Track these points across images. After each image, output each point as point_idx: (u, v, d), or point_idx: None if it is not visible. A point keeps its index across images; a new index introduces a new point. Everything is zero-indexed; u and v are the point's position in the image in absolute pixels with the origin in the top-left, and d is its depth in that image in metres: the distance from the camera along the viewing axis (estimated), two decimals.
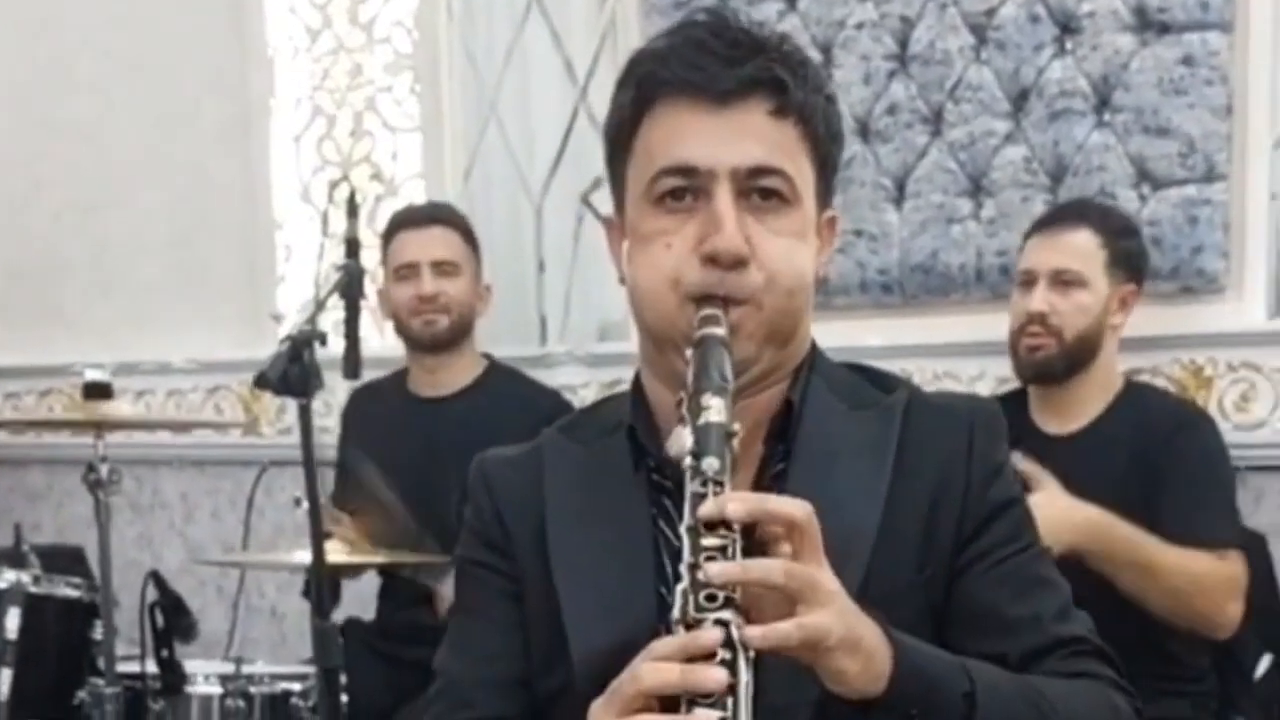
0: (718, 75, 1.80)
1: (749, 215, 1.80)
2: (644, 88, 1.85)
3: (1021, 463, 3.29)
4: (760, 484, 1.82)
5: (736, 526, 1.59)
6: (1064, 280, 3.56)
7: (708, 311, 1.77)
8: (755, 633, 1.55)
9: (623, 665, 1.59)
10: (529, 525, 1.94)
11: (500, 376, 4.24)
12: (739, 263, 1.79)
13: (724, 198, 1.80)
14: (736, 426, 1.67)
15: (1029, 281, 3.61)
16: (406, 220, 4.19)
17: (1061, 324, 3.54)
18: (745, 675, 1.54)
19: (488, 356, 4.28)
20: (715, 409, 1.66)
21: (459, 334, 4.09)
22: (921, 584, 1.77)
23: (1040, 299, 3.57)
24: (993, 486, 1.85)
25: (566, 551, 1.90)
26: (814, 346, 1.93)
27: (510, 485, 1.98)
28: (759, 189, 1.81)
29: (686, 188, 1.81)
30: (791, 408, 1.86)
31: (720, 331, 1.75)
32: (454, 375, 4.18)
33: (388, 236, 4.16)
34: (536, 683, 1.90)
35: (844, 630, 1.58)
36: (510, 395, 4.11)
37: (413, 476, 3.92)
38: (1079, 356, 3.55)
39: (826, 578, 1.60)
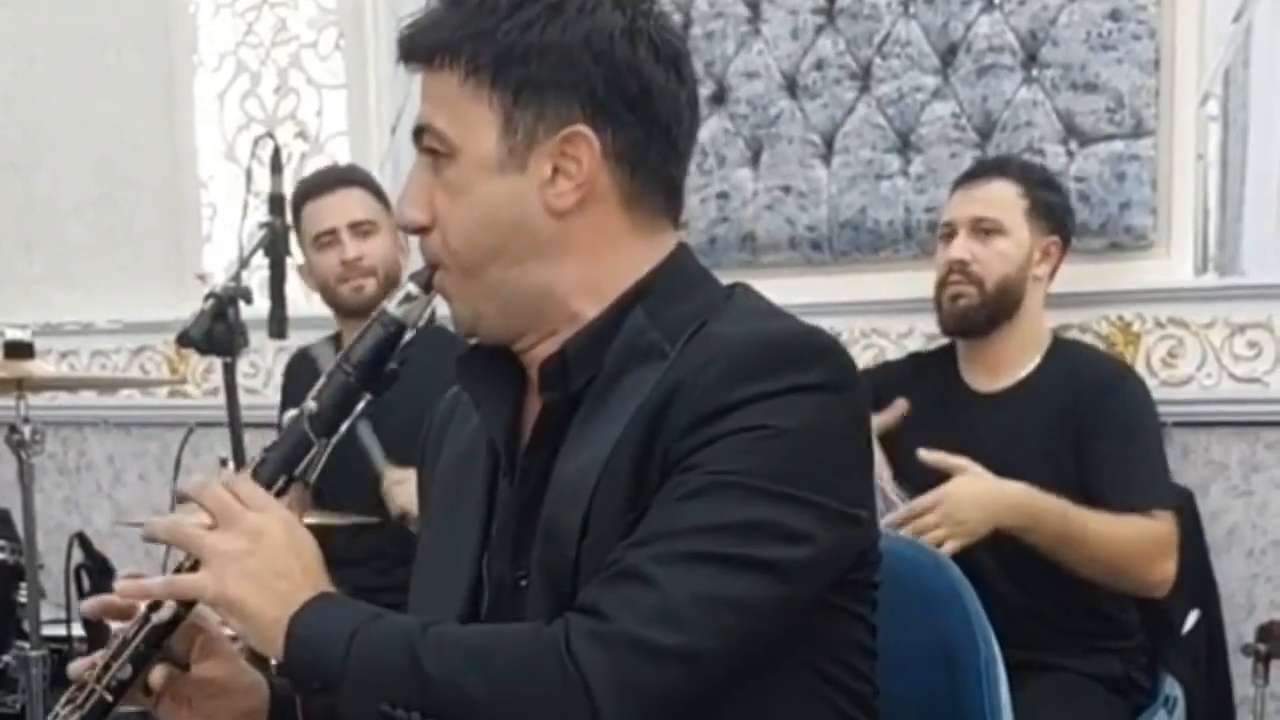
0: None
1: (435, 176, 1.82)
2: None
3: (931, 456, 3.29)
4: (538, 433, 1.83)
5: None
6: (983, 228, 3.56)
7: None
8: (125, 585, 1.79)
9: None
10: (432, 468, 2.04)
11: (432, 334, 4.17)
12: (418, 230, 1.84)
13: (413, 168, 1.85)
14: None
15: (950, 234, 3.62)
16: (315, 187, 4.05)
17: (982, 272, 3.54)
18: (157, 616, 1.75)
19: None
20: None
21: (388, 294, 3.99)
22: (633, 523, 1.68)
23: (960, 247, 3.57)
24: (712, 423, 1.66)
25: (432, 510, 2.01)
26: (647, 286, 1.83)
27: (441, 425, 2.05)
28: (427, 150, 1.82)
29: None
30: (565, 357, 1.81)
31: (389, 308, 1.87)
32: None
33: (297, 208, 3.98)
34: None
35: (219, 590, 1.68)
36: (443, 354, 4.03)
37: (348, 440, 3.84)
38: (1001, 306, 3.55)
39: (217, 541, 1.69)
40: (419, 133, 1.82)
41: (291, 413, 1.82)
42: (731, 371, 1.68)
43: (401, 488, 3.67)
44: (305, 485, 1.81)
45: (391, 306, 1.85)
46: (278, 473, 1.79)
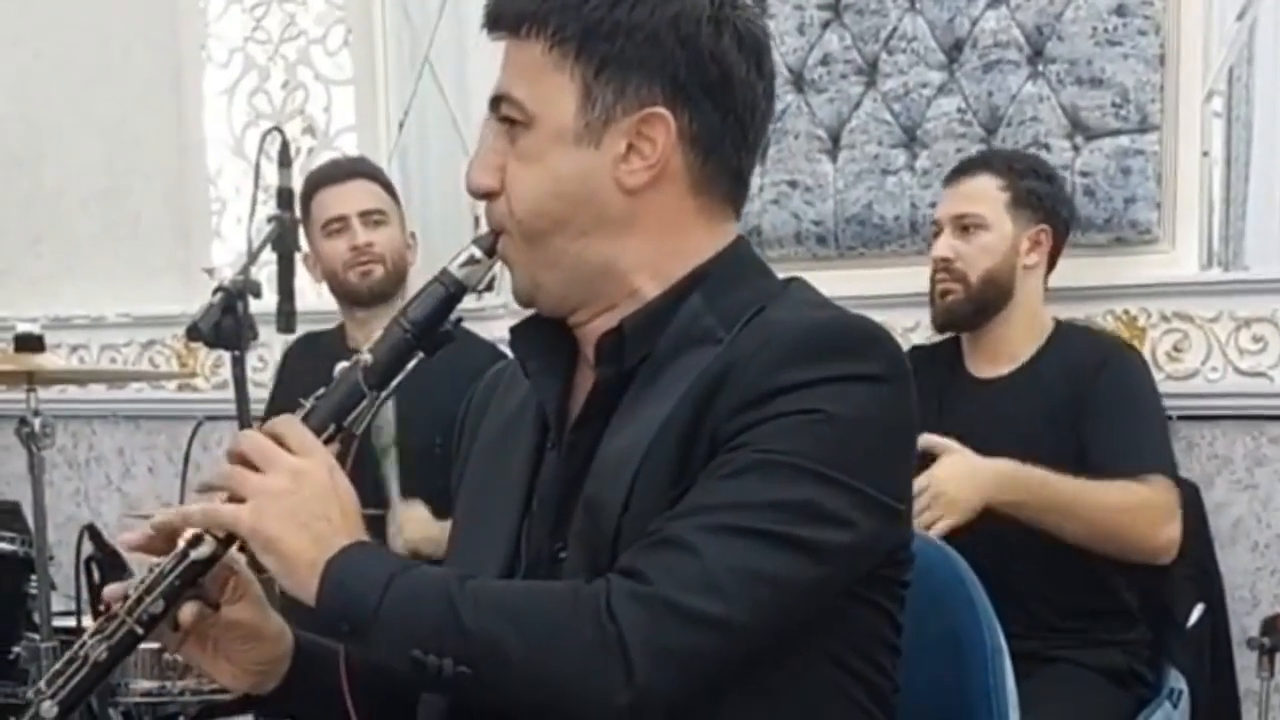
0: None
1: (510, 145, 1.83)
2: None
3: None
4: (589, 407, 1.84)
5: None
6: (964, 225, 3.62)
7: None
8: (163, 515, 1.80)
9: None
10: (471, 442, 2.05)
11: (458, 337, 4.16)
12: (485, 195, 1.85)
13: (485, 133, 1.87)
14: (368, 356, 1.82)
15: (938, 232, 3.68)
16: (325, 177, 4.09)
17: (965, 268, 3.60)
18: (195, 552, 1.75)
19: None
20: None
21: (394, 283, 4.01)
22: (675, 499, 1.69)
23: (943, 245, 3.64)
24: (763, 404, 1.68)
25: (471, 481, 2.02)
26: (706, 272, 1.85)
27: (483, 399, 2.07)
28: (503, 118, 1.83)
29: None
30: (623, 332, 1.82)
31: (452, 269, 1.86)
32: None
33: (307, 197, 4.01)
34: None
35: (254, 525, 1.69)
36: (467, 356, 4.05)
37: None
38: (987, 299, 3.60)
39: (260, 480, 1.71)
40: (496, 101, 1.84)
41: (344, 365, 1.83)
42: (785, 355, 1.70)
43: (412, 522, 3.68)
44: (353, 436, 1.82)
45: (454, 267, 1.85)
46: (327, 421, 1.80)
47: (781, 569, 1.63)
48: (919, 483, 3.22)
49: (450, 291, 1.85)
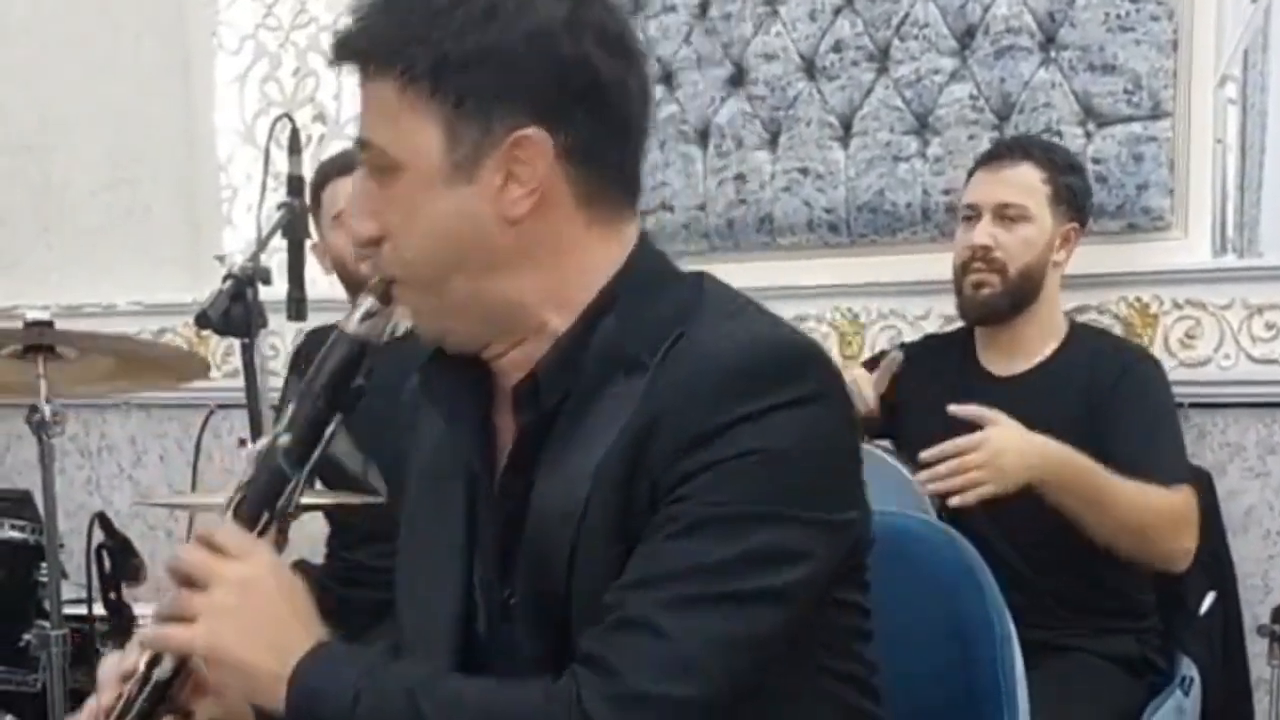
0: None
1: (382, 190, 1.73)
2: None
3: (962, 409, 3.27)
4: (516, 454, 1.77)
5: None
6: (1008, 215, 3.55)
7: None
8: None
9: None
10: (413, 432, 1.99)
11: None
12: (369, 243, 1.77)
13: (362, 176, 1.77)
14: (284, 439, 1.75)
15: (973, 216, 3.61)
16: (338, 168, 4.05)
17: (1005, 258, 3.53)
18: (159, 671, 1.71)
19: None
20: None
21: None
22: (623, 554, 1.64)
23: (984, 232, 3.56)
24: (700, 450, 1.61)
25: (415, 499, 1.95)
26: (613, 293, 1.75)
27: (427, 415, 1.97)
28: (368, 164, 1.75)
29: None
30: (538, 380, 1.73)
31: (349, 327, 1.78)
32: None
33: (318, 186, 3.98)
34: None
35: (210, 646, 1.66)
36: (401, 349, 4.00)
37: (360, 422, 3.84)
38: (1023, 293, 3.55)
39: (206, 599, 1.66)
40: (361, 148, 1.74)
41: (261, 444, 1.77)
42: (714, 392, 1.62)
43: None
44: (288, 517, 1.77)
45: (351, 326, 1.77)
46: (259, 511, 1.74)
47: (752, 626, 1.60)
48: (976, 438, 3.19)
49: (353, 350, 1.77)
